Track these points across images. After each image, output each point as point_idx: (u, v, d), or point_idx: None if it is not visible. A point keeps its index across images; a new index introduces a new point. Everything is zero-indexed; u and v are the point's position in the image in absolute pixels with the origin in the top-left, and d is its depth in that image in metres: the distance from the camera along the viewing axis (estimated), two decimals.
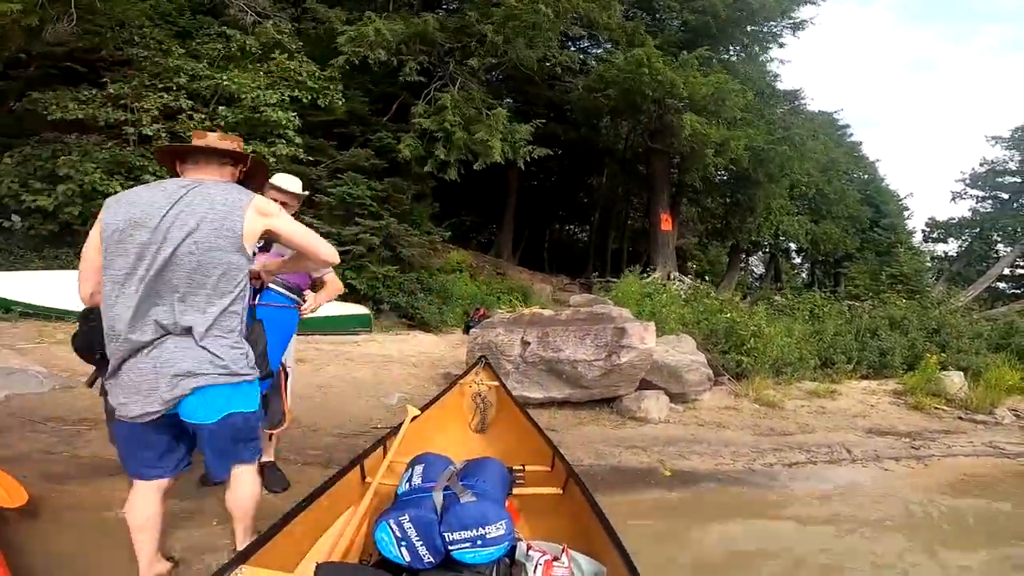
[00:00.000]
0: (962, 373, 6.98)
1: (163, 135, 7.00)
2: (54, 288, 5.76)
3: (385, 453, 2.26)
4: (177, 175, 1.76)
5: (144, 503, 1.73)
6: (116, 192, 6.63)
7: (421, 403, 2.94)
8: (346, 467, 2.05)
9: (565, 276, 14.95)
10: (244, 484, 1.77)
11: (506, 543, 1.66)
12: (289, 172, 3.13)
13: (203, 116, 7.28)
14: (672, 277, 12.05)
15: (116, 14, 7.04)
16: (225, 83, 7.23)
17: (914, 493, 3.96)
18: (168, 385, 1.53)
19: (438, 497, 1.74)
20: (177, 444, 1.72)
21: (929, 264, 19.62)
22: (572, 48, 13.52)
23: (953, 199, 19.76)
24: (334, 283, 2.83)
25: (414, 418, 2.53)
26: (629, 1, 12.81)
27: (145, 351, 1.54)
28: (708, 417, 5.02)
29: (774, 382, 6.18)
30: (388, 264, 8.25)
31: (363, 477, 2.12)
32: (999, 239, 18.85)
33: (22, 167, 6.75)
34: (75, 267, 6.77)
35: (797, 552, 2.96)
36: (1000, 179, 18.65)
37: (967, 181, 19.33)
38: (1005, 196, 18.49)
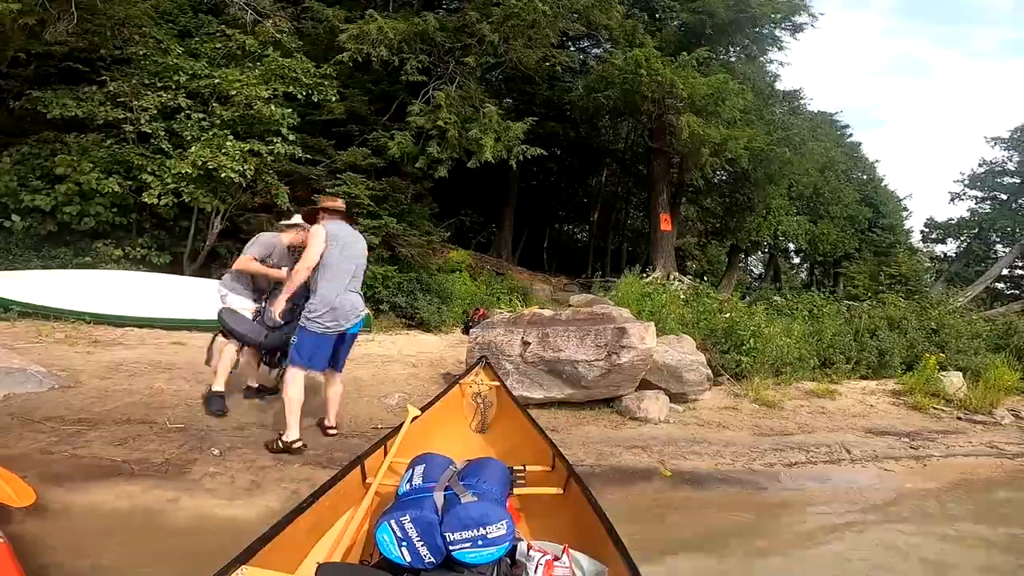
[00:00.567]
0: (961, 373, 6.99)
1: (161, 133, 6.98)
2: (53, 288, 5.75)
3: (386, 453, 2.26)
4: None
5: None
6: (114, 191, 6.70)
7: (421, 403, 2.94)
8: (347, 467, 2.05)
9: (564, 276, 14.94)
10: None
11: (507, 543, 1.66)
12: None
13: (201, 115, 7.26)
14: (672, 277, 12.05)
15: (117, 13, 7.02)
16: (218, 81, 7.20)
17: (914, 493, 3.96)
18: (356, 315, 3.32)
19: (439, 497, 1.73)
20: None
21: (928, 264, 19.67)
22: (572, 48, 13.52)
23: (952, 200, 19.79)
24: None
25: (415, 418, 2.53)
26: (629, 1, 12.81)
27: (349, 296, 3.30)
28: (708, 417, 5.02)
29: (774, 382, 6.18)
30: (387, 264, 8.23)
31: (364, 477, 2.12)
32: (998, 240, 18.87)
33: (21, 166, 6.74)
34: (73, 267, 6.71)
35: (797, 552, 2.96)
36: (999, 180, 18.66)
37: (966, 182, 19.36)
38: (1004, 197, 18.50)
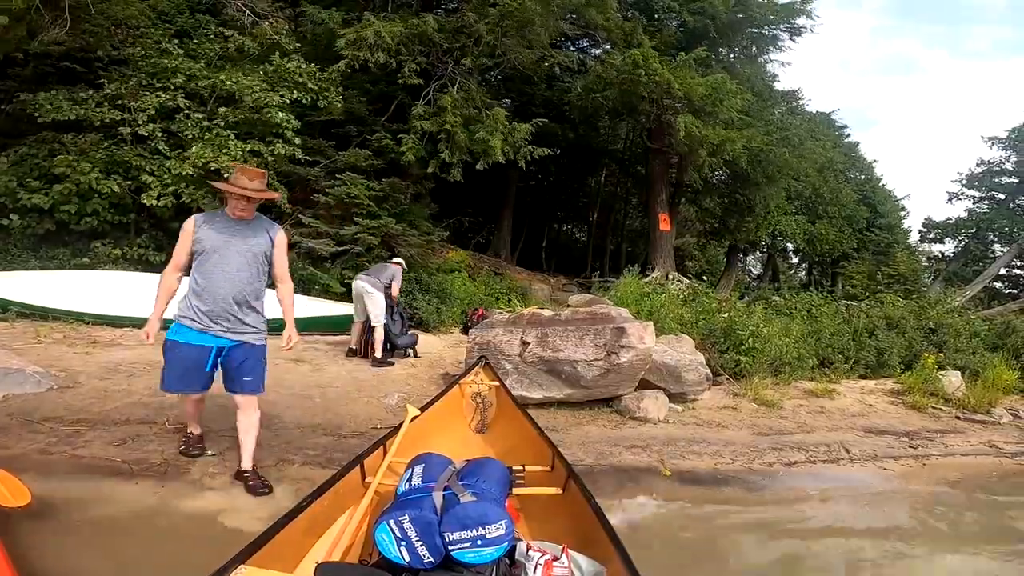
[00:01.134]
0: (959, 373, 7.00)
1: (159, 134, 6.97)
2: (50, 288, 5.74)
3: (385, 453, 2.26)
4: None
5: None
6: (113, 191, 6.69)
7: (420, 403, 2.94)
8: (346, 467, 2.05)
9: (563, 276, 14.93)
10: None
11: (506, 543, 1.66)
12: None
13: (200, 116, 7.26)
14: (671, 277, 12.06)
15: (114, 13, 7.02)
16: (226, 84, 7.20)
17: (913, 492, 3.97)
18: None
19: (438, 497, 1.73)
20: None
21: (926, 264, 19.70)
22: (572, 48, 13.53)
23: (950, 200, 19.81)
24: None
25: (414, 418, 2.53)
26: (628, 2, 12.82)
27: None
28: (707, 417, 5.03)
29: (772, 382, 6.19)
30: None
31: (363, 477, 2.12)
32: (995, 239, 18.89)
33: (19, 166, 6.73)
34: (71, 267, 6.76)
35: (797, 551, 2.96)
36: (996, 180, 18.68)
37: (964, 182, 19.37)
38: (1001, 196, 18.53)
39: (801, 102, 18.24)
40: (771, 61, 15.38)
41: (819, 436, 4.88)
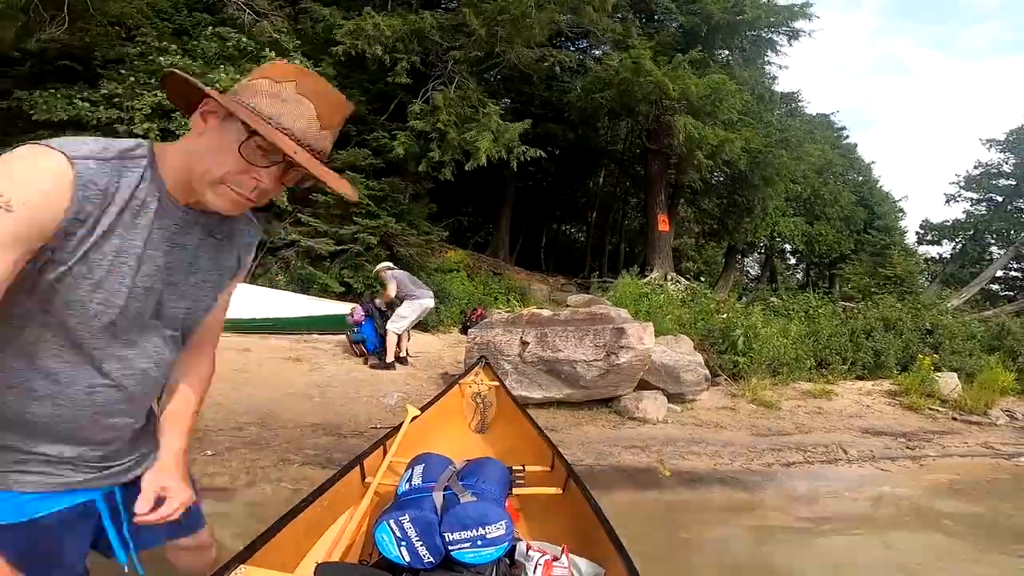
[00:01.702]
0: (955, 374, 7.03)
1: (154, 135, 6.95)
2: None
3: (385, 453, 2.25)
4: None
5: None
6: None
7: (420, 403, 2.94)
8: (346, 467, 2.04)
9: (562, 276, 14.94)
10: None
11: (506, 543, 1.66)
12: None
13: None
14: (669, 278, 12.08)
15: (112, 11, 6.99)
16: (218, 81, 7.18)
17: (911, 493, 3.98)
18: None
19: (438, 497, 1.73)
20: None
21: (923, 266, 19.76)
22: (571, 49, 13.53)
23: (947, 202, 19.91)
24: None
25: (414, 418, 2.53)
26: (627, 3, 12.83)
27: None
28: (706, 417, 5.04)
29: (771, 383, 6.21)
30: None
31: (363, 477, 2.11)
32: (992, 241, 18.98)
33: None
34: None
35: (796, 552, 2.97)
36: (994, 182, 18.76)
37: (961, 184, 19.46)
38: (999, 199, 18.60)
39: (800, 104, 18.29)
40: (770, 63, 15.41)
41: (817, 437, 4.90)
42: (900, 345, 7.69)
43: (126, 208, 0.81)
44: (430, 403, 2.86)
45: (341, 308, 6.76)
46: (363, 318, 5.89)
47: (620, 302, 7.13)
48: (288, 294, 7.08)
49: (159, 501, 0.99)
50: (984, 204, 19.11)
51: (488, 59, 9.70)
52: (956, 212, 20.09)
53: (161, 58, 7.30)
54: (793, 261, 24.40)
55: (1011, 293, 18.19)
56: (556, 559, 1.76)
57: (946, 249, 20.32)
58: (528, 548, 1.79)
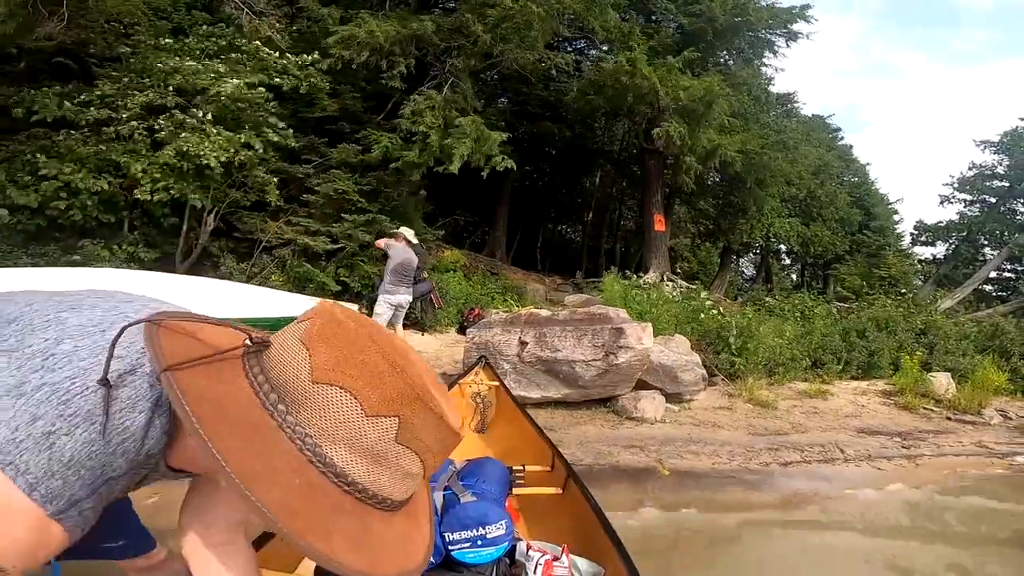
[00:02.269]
0: (949, 374, 7.08)
1: (143, 134, 6.88)
2: (44, 286, 5.67)
3: None
4: None
5: None
6: (103, 189, 6.61)
7: None
8: None
9: (558, 276, 14.95)
10: None
11: (506, 543, 1.66)
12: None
13: (183, 117, 7.13)
14: (665, 278, 12.10)
15: (108, 8, 6.94)
16: (211, 76, 7.11)
17: (907, 492, 4.00)
18: None
19: (438, 497, 1.73)
20: None
21: (917, 267, 19.88)
22: (569, 49, 13.54)
23: (941, 203, 19.99)
24: None
25: None
26: (625, 4, 12.84)
27: None
28: (703, 417, 5.05)
29: (767, 382, 6.23)
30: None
31: None
32: (986, 242, 19.09)
33: (9, 163, 6.66)
34: (62, 264, 6.65)
35: (794, 550, 2.98)
36: (988, 183, 18.86)
37: (955, 185, 19.55)
38: (992, 200, 18.71)
39: (796, 104, 18.36)
40: (767, 65, 15.47)
41: (813, 436, 4.92)
42: (894, 345, 7.74)
43: None
44: None
45: None
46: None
47: (607, 301, 7.12)
48: (285, 293, 7.06)
49: None
50: (977, 205, 19.21)
51: (486, 59, 9.69)
52: (950, 213, 20.14)
53: (156, 56, 7.25)
54: (788, 262, 24.48)
55: (1004, 294, 18.32)
56: (556, 559, 1.75)
57: (940, 250, 20.45)
58: (528, 548, 1.79)
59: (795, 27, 13.82)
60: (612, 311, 5.35)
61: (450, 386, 3.14)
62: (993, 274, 18.29)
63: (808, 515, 3.47)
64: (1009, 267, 18.70)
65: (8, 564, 0.59)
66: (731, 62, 14.39)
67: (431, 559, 1.62)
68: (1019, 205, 18.51)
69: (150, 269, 6.93)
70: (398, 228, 5.87)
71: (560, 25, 9.76)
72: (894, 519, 3.52)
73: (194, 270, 7.39)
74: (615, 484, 3.43)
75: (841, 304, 10.76)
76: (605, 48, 12.64)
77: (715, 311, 7.17)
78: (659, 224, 13.40)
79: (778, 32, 14.06)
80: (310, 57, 7.96)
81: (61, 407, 0.58)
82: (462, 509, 1.66)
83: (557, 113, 14.00)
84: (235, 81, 6.99)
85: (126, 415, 0.62)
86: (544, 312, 5.44)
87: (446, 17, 9.54)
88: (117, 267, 6.74)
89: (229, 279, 7.23)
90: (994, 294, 18.56)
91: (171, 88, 7.10)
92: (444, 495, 1.74)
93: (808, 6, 13.44)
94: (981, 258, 18.97)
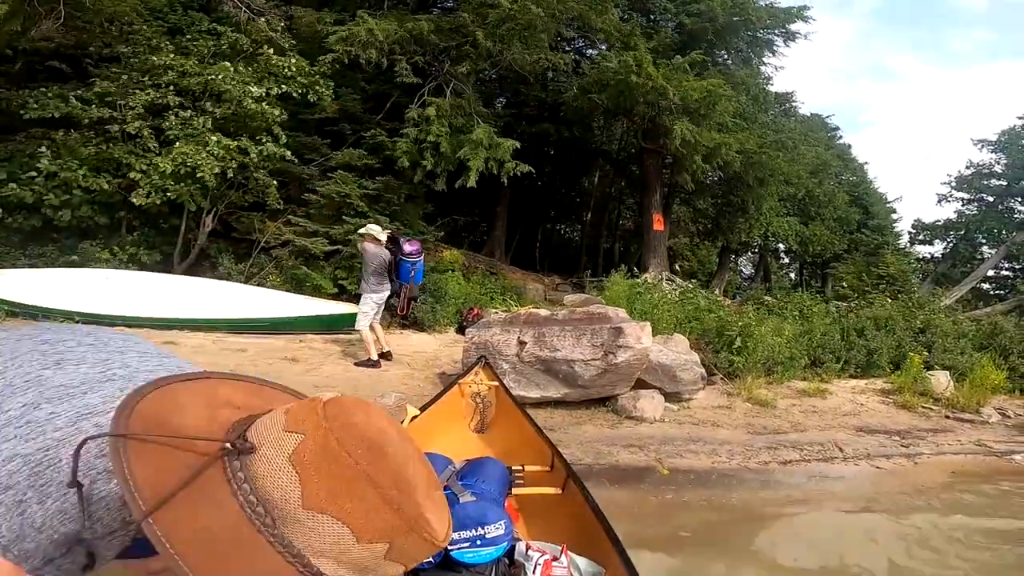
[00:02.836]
0: (948, 373, 7.09)
1: (146, 132, 6.89)
2: (42, 287, 5.67)
3: None
4: None
5: None
6: (103, 188, 6.62)
7: (417, 402, 2.93)
8: None
9: (557, 276, 14.95)
10: None
11: (505, 543, 1.66)
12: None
13: (188, 114, 7.16)
14: (664, 277, 12.11)
15: (105, 9, 6.93)
16: (211, 79, 7.12)
17: (906, 490, 4.01)
18: None
19: None
20: None
21: (915, 265, 19.90)
22: (568, 49, 13.54)
23: (939, 202, 20.06)
24: None
25: (413, 418, 2.52)
26: (625, 4, 12.84)
27: None
28: (702, 416, 5.05)
29: (766, 381, 6.23)
30: None
31: None
32: (984, 241, 19.13)
33: (8, 163, 6.65)
34: (59, 264, 6.64)
35: (793, 549, 2.98)
36: (986, 182, 18.91)
37: (953, 184, 19.60)
38: (990, 199, 18.76)
39: (794, 104, 18.38)
40: (766, 64, 15.48)
41: (812, 435, 4.92)
42: (892, 344, 7.75)
43: None
44: (430, 403, 2.85)
45: (336, 308, 6.73)
46: None
47: (612, 301, 7.13)
48: (283, 294, 7.06)
49: None
50: (975, 204, 19.26)
51: (486, 60, 9.69)
52: (948, 212, 20.19)
53: (154, 57, 7.24)
54: (786, 260, 24.50)
55: (1002, 292, 18.36)
56: (556, 559, 1.75)
57: (938, 249, 20.50)
58: (527, 548, 1.79)
59: (793, 27, 13.85)
60: (611, 310, 5.35)
61: (450, 386, 3.14)
62: (991, 272, 18.32)
63: (807, 514, 3.47)
64: (1007, 265, 18.73)
65: None
66: (730, 62, 14.39)
67: (430, 559, 1.63)
68: (1017, 204, 18.56)
69: (150, 270, 6.93)
70: (364, 228, 5.68)
71: (564, 27, 9.75)
72: (893, 518, 3.52)
73: (192, 270, 7.39)
74: (615, 484, 3.43)
75: (841, 303, 10.76)
76: (605, 47, 12.64)
77: (722, 312, 7.18)
78: (658, 223, 13.41)
79: (776, 32, 14.08)
80: (318, 66, 7.96)
81: (32, 478, 0.59)
82: (461, 509, 1.66)
83: (556, 112, 14.00)
84: (258, 91, 7.04)
85: (101, 485, 0.62)
86: (543, 312, 5.44)
87: (445, 17, 9.54)
88: (116, 268, 6.74)
89: (227, 279, 7.22)
90: (992, 292, 18.60)
91: (173, 87, 7.10)
92: (444, 495, 1.74)
93: (807, 6, 13.47)
94: (979, 257, 19.01)
